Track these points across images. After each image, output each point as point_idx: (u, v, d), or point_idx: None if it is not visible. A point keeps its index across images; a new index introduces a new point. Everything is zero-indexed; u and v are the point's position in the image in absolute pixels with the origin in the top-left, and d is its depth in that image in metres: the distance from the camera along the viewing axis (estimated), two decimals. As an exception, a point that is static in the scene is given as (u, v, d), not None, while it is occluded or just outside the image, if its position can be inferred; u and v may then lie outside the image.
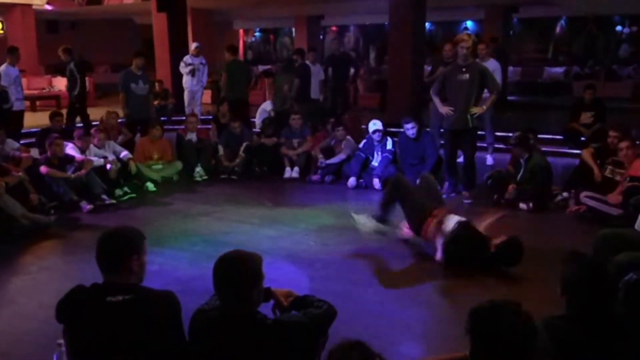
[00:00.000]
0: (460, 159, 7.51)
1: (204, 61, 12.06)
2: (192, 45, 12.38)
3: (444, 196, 7.27)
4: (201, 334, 2.45)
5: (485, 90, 7.10)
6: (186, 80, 12.05)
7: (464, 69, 6.84)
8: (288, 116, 9.24)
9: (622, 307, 2.56)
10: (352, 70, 12.31)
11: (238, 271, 2.40)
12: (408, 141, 7.87)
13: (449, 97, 7.00)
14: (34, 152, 7.92)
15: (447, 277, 4.87)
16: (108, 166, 7.40)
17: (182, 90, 12.29)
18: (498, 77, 8.87)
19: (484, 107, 7.08)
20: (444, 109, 6.98)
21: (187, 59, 12.00)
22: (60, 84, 16.62)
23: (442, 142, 7.96)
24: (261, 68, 12.83)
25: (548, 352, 2.28)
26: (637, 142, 6.65)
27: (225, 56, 11.18)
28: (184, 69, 11.91)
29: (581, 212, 6.21)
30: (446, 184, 7.39)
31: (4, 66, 9.44)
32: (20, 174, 6.56)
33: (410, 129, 7.73)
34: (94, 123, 10.06)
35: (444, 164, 7.40)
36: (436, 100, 7.14)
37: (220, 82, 11.26)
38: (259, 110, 10.97)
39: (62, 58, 10.55)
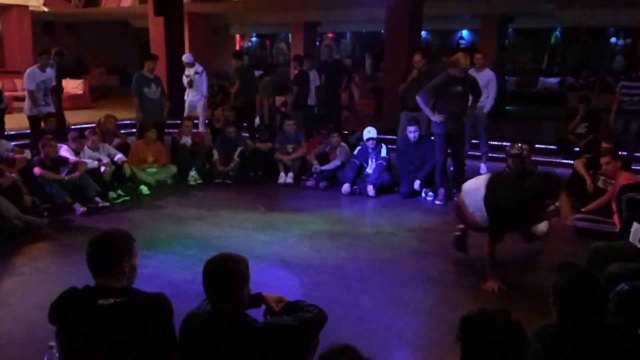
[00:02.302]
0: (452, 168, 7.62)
1: (199, 69, 11.31)
2: (184, 57, 11.54)
3: (439, 202, 7.35)
4: (191, 337, 2.46)
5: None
6: (186, 93, 11.42)
7: (457, 82, 7.12)
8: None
9: (614, 317, 2.58)
10: (345, 78, 12.23)
11: (228, 271, 2.43)
12: (408, 146, 7.92)
13: (443, 106, 7.21)
14: (26, 154, 7.88)
15: (439, 285, 4.89)
16: (102, 169, 7.38)
17: (178, 93, 12.09)
18: (494, 87, 8.98)
19: (469, 112, 7.44)
20: (436, 117, 7.19)
21: (186, 71, 11.40)
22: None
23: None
24: (257, 73, 12.76)
25: (539, 361, 2.30)
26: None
27: (233, 63, 11.19)
28: (185, 81, 11.34)
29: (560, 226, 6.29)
30: (441, 191, 7.42)
31: (30, 69, 9.10)
32: (13, 175, 6.54)
33: (413, 131, 7.83)
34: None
35: (437, 171, 7.44)
36: (427, 110, 7.32)
37: (231, 89, 11.10)
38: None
39: None
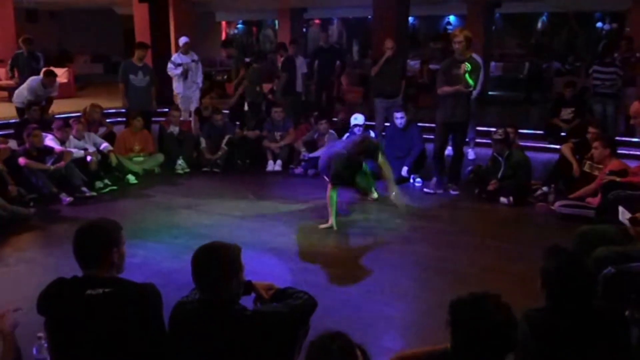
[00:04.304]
0: (446, 152, 7.58)
1: (196, 58, 10.34)
2: (181, 41, 10.39)
3: (432, 191, 7.33)
4: (181, 325, 2.44)
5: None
6: (177, 85, 10.24)
7: (459, 63, 6.94)
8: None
9: (601, 299, 2.61)
10: (338, 64, 12.15)
11: (217, 260, 2.41)
12: (395, 132, 7.93)
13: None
14: (12, 144, 7.80)
15: (427, 271, 4.91)
16: (88, 158, 7.32)
17: (163, 80, 11.73)
18: (481, 73, 8.95)
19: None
20: (455, 88, 6.88)
21: (175, 58, 10.26)
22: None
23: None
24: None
25: (527, 344, 2.32)
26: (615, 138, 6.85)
27: (225, 52, 10.89)
28: (173, 71, 10.15)
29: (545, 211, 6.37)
30: (434, 179, 7.41)
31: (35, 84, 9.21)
32: (-2, 165, 6.47)
33: (399, 118, 7.86)
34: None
35: (433, 157, 7.40)
36: (446, 89, 7.00)
37: (219, 79, 10.75)
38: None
39: None
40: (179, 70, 10.08)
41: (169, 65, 10.34)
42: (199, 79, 10.42)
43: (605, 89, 9.31)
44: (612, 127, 9.22)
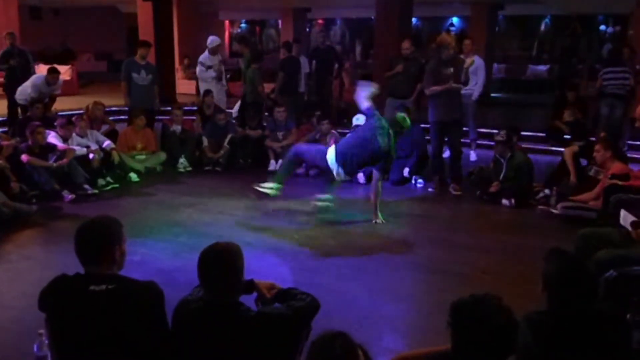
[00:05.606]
0: (445, 154, 7.59)
1: (221, 58, 10.13)
2: (212, 42, 9.92)
3: (431, 190, 7.35)
4: (185, 324, 2.45)
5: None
6: (209, 88, 9.71)
7: (448, 63, 7.04)
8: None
9: (602, 303, 2.60)
10: (336, 65, 12.11)
11: (227, 259, 2.43)
12: None
13: (437, 92, 7.03)
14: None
15: (428, 272, 4.92)
16: (90, 155, 7.33)
17: (165, 79, 11.63)
18: (482, 74, 8.96)
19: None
20: (445, 86, 6.95)
21: (205, 59, 9.89)
22: (44, 70, 16.38)
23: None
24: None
25: (528, 347, 2.31)
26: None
27: (241, 49, 10.52)
28: (206, 74, 9.81)
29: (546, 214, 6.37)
30: (436, 179, 7.43)
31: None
32: (1, 161, 6.48)
33: None
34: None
35: (432, 158, 7.43)
36: (435, 89, 7.06)
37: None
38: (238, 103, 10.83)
39: None
40: (212, 72, 9.88)
41: (198, 67, 10.09)
42: (225, 81, 10.30)
43: (615, 89, 9.00)
44: (619, 130, 9.10)
